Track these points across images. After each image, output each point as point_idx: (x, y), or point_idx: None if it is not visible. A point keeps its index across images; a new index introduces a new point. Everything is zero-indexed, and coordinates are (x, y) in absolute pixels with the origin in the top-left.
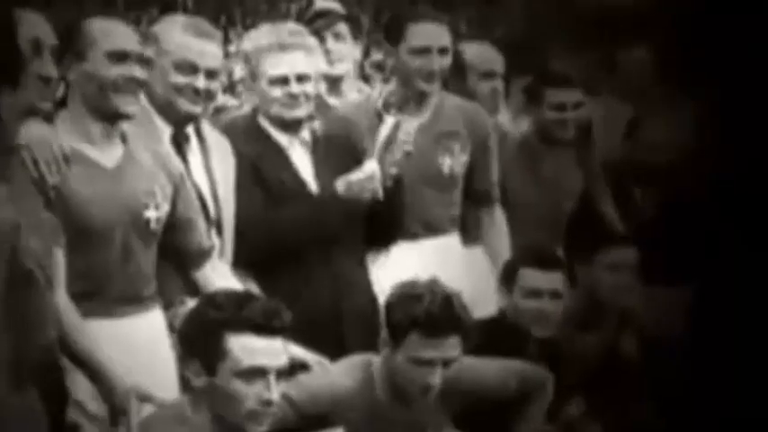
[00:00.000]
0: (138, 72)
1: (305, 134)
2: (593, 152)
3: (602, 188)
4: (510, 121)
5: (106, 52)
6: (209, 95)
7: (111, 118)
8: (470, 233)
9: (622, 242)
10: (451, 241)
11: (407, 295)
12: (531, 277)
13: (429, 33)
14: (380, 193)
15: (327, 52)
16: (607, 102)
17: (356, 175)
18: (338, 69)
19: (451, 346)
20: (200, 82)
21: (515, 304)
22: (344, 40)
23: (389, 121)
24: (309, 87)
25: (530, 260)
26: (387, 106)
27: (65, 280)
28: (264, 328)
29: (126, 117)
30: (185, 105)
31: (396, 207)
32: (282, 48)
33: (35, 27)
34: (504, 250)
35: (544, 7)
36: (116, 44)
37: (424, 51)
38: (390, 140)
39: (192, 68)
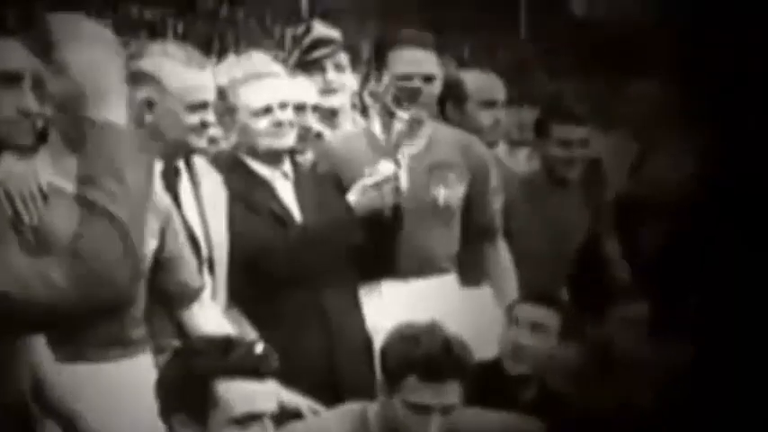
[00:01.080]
0: None
1: (286, 167)
2: (603, 192)
3: (608, 230)
4: (507, 154)
5: None
6: (209, 127)
7: None
8: (470, 274)
9: (633, 296)
10: (449, 281)
11: (404, 337)
12: (528, 312)
13: (411, 59)
14: (404, 193)
15: (328, 83)
16: (616, 137)
17: (372, 179)
18: (336, 101)
19: (451, 392)
20: (210, 116)
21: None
22: (344, 70)
23: (403, 116)
24: (292, 115)
25: (529, 296)
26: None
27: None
28: (253, 372)
29: None
30: (195, 141)
31: (390, 239)
32: (259, 77)
33: (12, 56)
34: (512, 288)
35: (552, 35)
36: None
37: (406, 78)
38: (403, 138)
39: (202, 105)
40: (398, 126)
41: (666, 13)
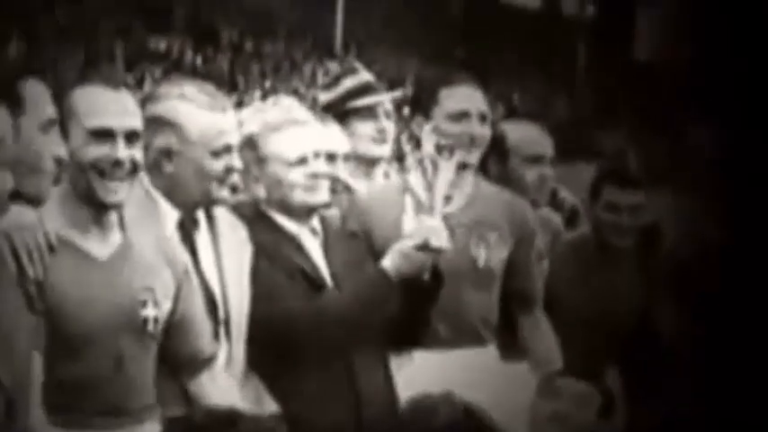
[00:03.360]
0: (127, 153)
1: (315, 223)
2: (658, 260)
3: (665, 305)
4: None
5: (88, 130)
6: (234, 174)
7: (96, 206)
8: (512, 347)
9: (685, 386)
10: (487, 353)
11: (421, 409)
12: (570, 385)
13: (466, 96)
14: (445, 253)
15: (381, 131)
16: (678, 198)
17: (414, 241)
18: (383, 151)
19: None
20: (236, 161)
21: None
22: (392, 117)
23: (450, 162)
24: (326, 166)
25: (571, 370)
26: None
27: (40, 392)
28: None
29: (112, 206)
30: (218, 192)
31: (427, 305)
32: (294, 123)
33: (48, 103)
34: (555, 358)
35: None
36: (100, 120)
37: (462, 116)
38: (448, 188)
39: (226, 150)
40: (445, 175)
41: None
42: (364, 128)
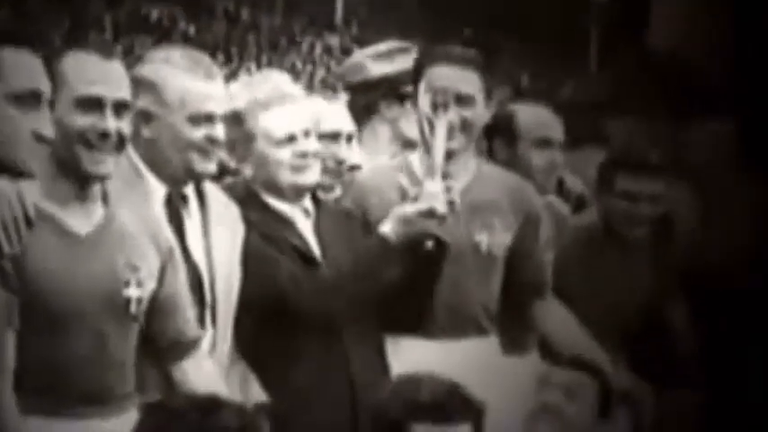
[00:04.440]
0: (115, 124)
1: (307, 203)
2: (672, 252)
3: (675, 299)
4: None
5: (76, 98)
6: (219, 146)
7: (80, 177)
8: (514, 339)
9: (693, 377)
10: (488, 345)
11: (405, 385)
12: (562, 375)
13: (447, 75)
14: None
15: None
16: (691, 189)
17: (416, 206)
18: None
19: None
20: (218, 131)
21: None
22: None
23: (444, 118)
24: (316, 145)
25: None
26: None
27: (12, 372)
28: None
29: (98, 179)
30: (201, 164)
31: (430, 278)
32: (282, 100)
33: (33, 75)
34: (582, 341)
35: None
36: (88, 88)
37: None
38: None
39: (208, 119)
40: (441, 132)
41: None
42: (394, 112)
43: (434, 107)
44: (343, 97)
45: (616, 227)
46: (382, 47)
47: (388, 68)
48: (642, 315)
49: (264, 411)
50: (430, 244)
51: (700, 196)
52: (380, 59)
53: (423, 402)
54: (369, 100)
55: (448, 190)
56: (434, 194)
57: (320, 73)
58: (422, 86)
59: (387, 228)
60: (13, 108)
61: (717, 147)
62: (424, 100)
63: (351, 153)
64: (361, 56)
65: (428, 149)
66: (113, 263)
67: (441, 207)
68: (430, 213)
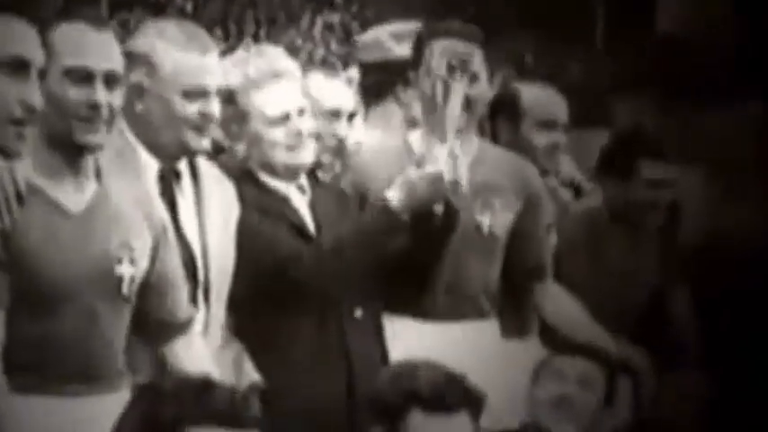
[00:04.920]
0: (105, 97)
1: (303, 181)
2: (676, 239)
3: (679, 285)
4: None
5: (65, 69)
6: (213, 122)
7: (71, 150)
8: (513, 323)
9: (695, 364)
10: (487, 328)
11: (402, 370)
12: (573, 365)
13: (452, 49)
14: (462, 188)
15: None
16: (697, 175)
17: (422, 172)
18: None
19: (461, 425)
20: (213, 107)
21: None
22: None
23: (461, 83)
24: (311, 123)
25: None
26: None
27: (1, 350)
28: (230, 420)
29: (88, 150)
30: (195, 140)
31: (433, 253)
32: (279, 76)
33: (21, 43)
34: (584, 321)
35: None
36: (78, 59)
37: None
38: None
39: (202, 93)
40: (456, 98)
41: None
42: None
43: (450, 69)
44: (344, 75)
45: (636, 215)
46: (400, 27)
47: (409, 50)
48: (645, 301)
49: (257, 392)
50: (440, 208)
51: (711, 182)
52: (401, 40)
53: (421, 390)
54: (384, 80)
55: (456, 159)
56: (443, 160)
57: (320, 51)
58: (434, 52)
59: (391, 192)
60: (2, 78)
61: (731, 131)
62: (439, 63)
63: (353, 131)
64: (380, 34)
65: (438, 115)
66: (106, 240)
67: (448, 172)
68: (437, 179)
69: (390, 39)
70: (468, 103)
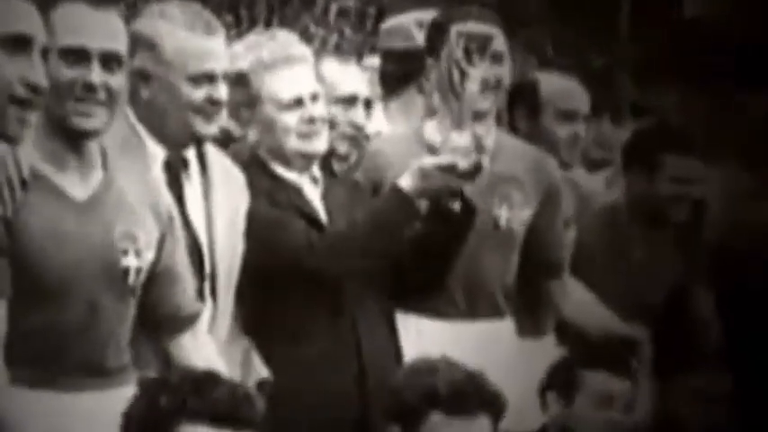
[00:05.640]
0: (101, 78)
1: (315, 170)
2: (700, 237)
3: (702, 285)
4: (584, 177)
5: (61, 48)
6: (221, 107)
7: (71, 135)
8: (530, 321)
9: (717, 365)
10: (503, 328)
11: (422, 370)
12: (600, 382)
13: (478, 30)
14: (481, 170)
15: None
16: (723, 170)
17: (438, 159)
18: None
19: (482, 429)
20: (220, 91)
21: (573, 415)
22: None
23: (479, 69)
24: (324, 110)
25: (598, 361)
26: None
27: (2, 341)
28: (227, 418)
29: (86, 135)
30: (202, 126)
31: (449, 249)
32: (292, 61)
33: (22, 19)
34: (603, 312)
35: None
36: (72, 38)
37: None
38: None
39: (208, 77)
40: (473, 84)
41: None
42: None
43: (467, 53)
44: (365, 62)
45: (659, 210)
46: (425, 14)
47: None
48: (666, 299)
49: (265, 389)
50: (457, 206)
51: (739, 177)
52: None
53: (440, 391)
54: (407, 69)
55: (478, 146)
56: (460, 148)
57: (334, 37)
58: (450, 37)
59: (404, 181)
60: (3, 57)
61: (760, 124)
62: (455, 47)
63: (372, 121)
64: (405, 21)
65: (455, 102)
66: (111, 230)
67: (463, 163)
68: (451, 169)
69: (415, 26)
70: (488, 85)
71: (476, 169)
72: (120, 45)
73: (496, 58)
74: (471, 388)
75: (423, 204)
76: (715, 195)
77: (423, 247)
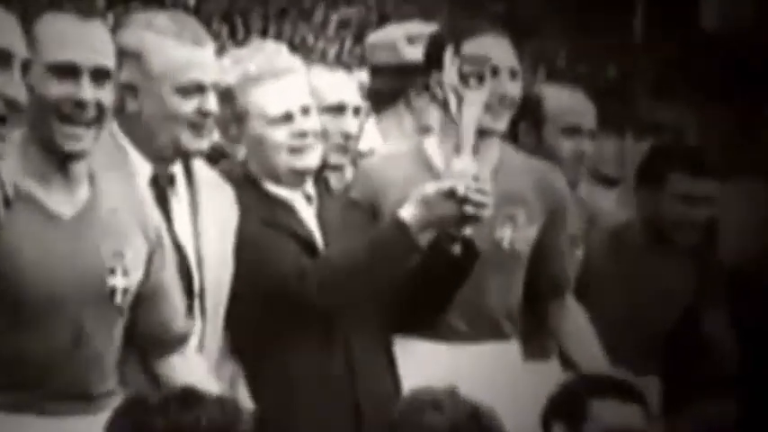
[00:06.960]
0: (92, 94)
1: (309, 188)
2: (714, 257)
3: (717, 308)
4: (591, 194)
5: (48, 63)
6: (210, 120)
7: (57, 155)
8: (535, 343)
9: (723, 392)
10: (508, 350)
11: (423, 404)
12: (609, 411)
13: (480, 46)
14: (486, 208)
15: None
16: (739, 188)
17: (439, 185)
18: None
19: None
20: (210, 103)
21: None
22: None
23: (478, 93)
24: (317, 123)
25: (606, 389)
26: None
27: None
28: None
29: (73, 156)
30: (191, 141)
31: (453, 281)
32: (280, 73)
33: (1, 30)
34: (595, 354)
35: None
36: (62, 53)
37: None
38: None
39: (197, 89)
40: (472, 109)
41: None
42: (421, 102)
43: (464, 78)
44: (354, 76)
45: (666, 231)
46: (414, 28)
47: (422, 54)
48: (677, 323)
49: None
50: (458, 248)
51: (755, 197)
52: (414, 43)
53: (441, 428)
54: (396, 85)
55: (476, 178)
56: (461, 173)
57: (334, 49)
58: (448, 57)
59: (405, 211)
60: None
61: None
62: (451, 70)
63: (363, 134)
64: (393, 34)
65: (454, 127)
66: (98, 249)
67: (462, 189)
68: (451, 194)
69: (403, 40)
70: (508, 102)
71: (479, 211)
72: (109, 59)
73: (510, 74)
74: (475, 426)
75: (425, 238)
76: (732, 215)
77: (422, 283)
